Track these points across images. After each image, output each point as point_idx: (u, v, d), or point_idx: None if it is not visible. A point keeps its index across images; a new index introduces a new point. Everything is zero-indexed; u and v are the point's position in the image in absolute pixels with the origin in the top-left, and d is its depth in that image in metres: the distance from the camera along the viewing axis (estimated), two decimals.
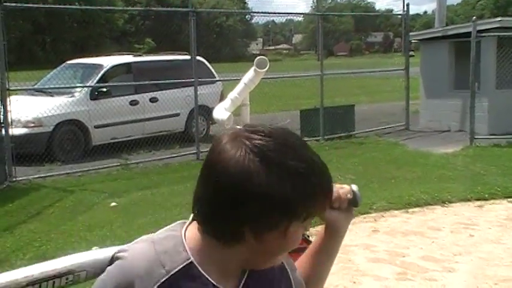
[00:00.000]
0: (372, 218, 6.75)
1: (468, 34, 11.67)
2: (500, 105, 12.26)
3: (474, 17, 12.39)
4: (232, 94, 5.16)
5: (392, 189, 7.88)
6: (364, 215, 6.80)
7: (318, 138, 11.99)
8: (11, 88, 8.83)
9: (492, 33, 12.14)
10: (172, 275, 1.20)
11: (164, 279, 1.19)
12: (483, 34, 11.87)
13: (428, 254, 5.62)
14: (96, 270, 1.31)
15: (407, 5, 13.87)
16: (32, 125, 10.36)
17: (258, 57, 5.03)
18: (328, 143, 11.85)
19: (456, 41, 13.20)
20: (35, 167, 9.52)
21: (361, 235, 6.20)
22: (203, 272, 1.22)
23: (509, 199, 7.50)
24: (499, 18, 13.39)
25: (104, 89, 11.23)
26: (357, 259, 5.50)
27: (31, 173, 9.08)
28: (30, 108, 10.44)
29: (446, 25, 15.87)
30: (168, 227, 1.32)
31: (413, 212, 7.01)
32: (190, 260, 1.21)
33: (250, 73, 5.08)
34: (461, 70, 12.66)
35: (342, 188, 1.44)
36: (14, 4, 9.36)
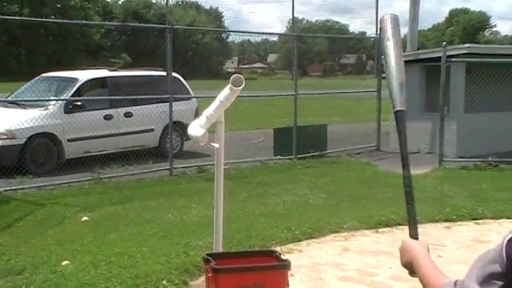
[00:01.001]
0: (343, 237, 6.77)
1: (438, 59, 11.88)
2: (468, 128, 12.47)
3: (444, 43, 12.64)
4: (208, 111, 5.13)
5: (363, 209, 7.93)
6: (335, 234, 6.84)
7: (291, 156, 12.03)
8: None
9: (461, 59, 12.39)
10: None
11: None
12: (453, 59, 12.10)
13: (397, 274, 5.64)
14: None
15: (380, 28, 14.08)
16: (4, 137, 10.25)
17: (234, 76, 5.01)
18: (301, 162, 11.90)
19: (427, 65, 13.42)
20: (6, 179, 9.38)
21: (331, 253, 6.22)
22: None
23: (475, 221, 7.59)
24: (467, 45, 13.69)
25: (79, 103, 11.15)
26: (327, 277, 5.51)
27: (1, 186, 8.97)
28: (3, 120, 10.34)
29: (418, 49, 16.12)
30: None
31: (383, 231, 7.06)
32: None
33: (225, 91, 5.05)
34: (432, 93, 12.86)
35: None
36: None
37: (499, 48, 19.81)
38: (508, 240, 1.70)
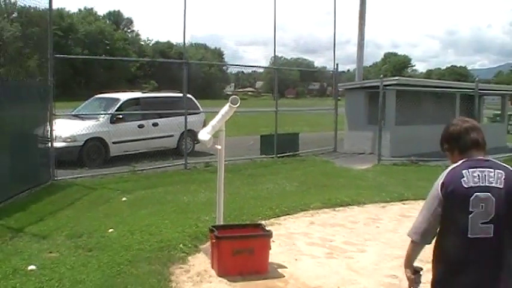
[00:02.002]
0: (310, 214, 6.77)
1: (377, 87, 11.93)
2: (398, 136, 12.55)
3: (381, 76, 12.72)
4: (213, 122, 5.12)
5: (324, 194, 7.92)
6: (304, 212, 6.84)
7: (273, 156, 12.00)
8: (56, 114, 8.73)
9: (392, 87, 12.46)
10: None
11: None
12: (387, 87, 12.17)
13: (348, 240, 5.67)
14: None
15: (337, 64, 14.07)
16: (69, 140, 10.20)
17: (232, 96, 5.01)
18: (280, 159, 11.88)
19: (369, 91, 13.47)
20: (70, 170, 9.30)
21: (301, 226, 6.21)
22: None
23: (402, 202, 7.62)
24: (397, 78, 13.84)
25: (120, 116, 11.10)
26: (298, 243, 5.51)
27: (67, 174, 8.91)
28: (68, 128, 10.26)
29: (363, 79, 16.19)
30: None
31: (339, 210, 7.06)
32: None
33: (225, 107, 5.06)
34: (373, 111, 12.92)
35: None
36: (60, 55, 9.34)
37: (418, 80, 20.02)
38: (446, 175, 2.22)
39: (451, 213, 2.17)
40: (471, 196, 2.13)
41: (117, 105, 11.25)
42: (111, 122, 10.94)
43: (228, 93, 64.95)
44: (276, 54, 12.87)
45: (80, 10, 62.39)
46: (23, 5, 8.68)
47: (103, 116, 11.04)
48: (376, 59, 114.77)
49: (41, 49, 8.46)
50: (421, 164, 11.39)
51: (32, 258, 4.63)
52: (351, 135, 13.92)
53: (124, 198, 7.41)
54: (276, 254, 4.85)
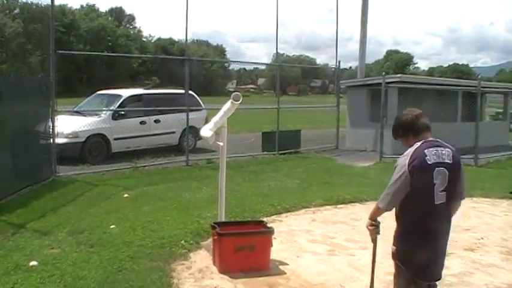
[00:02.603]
0: (311, 211, 6.76)
1: (379, 84, 11.91)
2: None
3: (384, 73, 12.68)
4: (215, 119, 5.10)
5: (326, 191, 7.91)
6: (306, 209, 6.82)
7: (274, 152, 12.00)
8: (57, 110, 8.72)
9: (395, 85, 12.43)
10: None
11: None
12: (389, 85, 12.14)
13: (350, 237, 5.65)
14: None
15: (339, 61, 14.04)
16: (71, 136, 10.19)
17: (234, 93, 4.99)
18: (282, 156, 11.87)
19: (371, 88, 13.44)
20: (72, 166, 9.30)
21: (303, 223, 6.20)
22: None
23: None
24: (399, 75, 13.79)
25: (122, 112, 11.08)
26: (300, 240, 5.50)
27: (69, 171, 8.91)
28: (70, 124, 10.26)
29: (365, 77, 16.15)
30: None
31: (341, 207, 7.04)
32: None
33: (228, 104, 5.04)
34: (375, 109, 12.89)
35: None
36: (62, 52, 9.38)
37: (420, 78, 20.00)
38: (411, 155, 2.76)
39: (420, 185, 2.69)
40: (433, 170, 2.70)
41: (119, 102, 11.23)
42: (113, 119, 10.92)
43: (230, 90, 64.96)
44: (278, 51, 12.84)
45: (82, 6, 62.46)
46: (25, 1, 8.68)
47: (105, 112, 11.01)
48: (378, 56, 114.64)
49: (42, 45, 8.46)
50: None
51: (33, 254, 4.63)
52: (353, 133, 13.89)
53: (126, 195, 7.40)
54: (277, 250, 4.84)
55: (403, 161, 2.78)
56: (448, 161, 2.73)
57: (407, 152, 2.80)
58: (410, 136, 2.88)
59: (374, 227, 3.03)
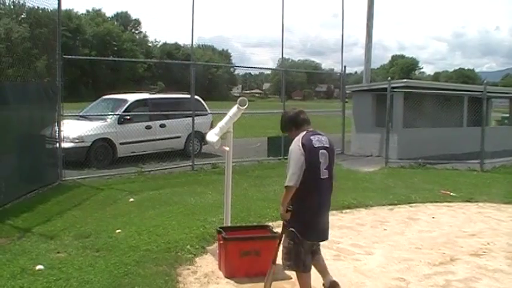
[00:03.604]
0: None
1: (385, 89, 11.90)
2: (406, 139, 12.49)
3: (389, 78, 12.66)
4: (221, 123, 5.12)
5: (331, 196, 7.88)
6: None
7: (280, 157, 11.98)
8: (63, 114, 8.77)
9: (400, 90, 12.41)
10: None
11: None
12: (395, 90, 12.12)
13: (355, 242, 5.64)
14: None
15: (345, 66, 14.05)
16: (77, 140, 10.24)
17: (240, 98, 5.00)
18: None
19: (377, 93, 13.43)
20: (78, 170, 9.35)
21: None
22: None
23: (410, 204, 7.58)
24: (404, 80, 13.75)
25: (128, 117, 11.13)
26: None
27: (74, 175, 8.95)
28: (76, 129, 10.31)
29: (371, 82, 16.15)
30: None
31: (346, 212, 7.04)
32: None
33: (233, 109, 5.05)
34: (380, 113, 12.87)
35: None
36: (69, 56, 9.48)
37: (425, 83, 19.95)
38: (302, 140, 3.52)
39: (311, 164, 3.47)
40: (319, 152, 3.53)
41: (125, 106, 11.28)
42: (118, 123, 10.96)
43: (235, 94, 65.06)
44: (284, 56, 12.84)
45: (87, 11, 62.85)
46: (31, 5, 8.74)
47: (111, 116, 11.07)
48: (383, 61, 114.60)
49: (49, 50, 8.51)
50: (428, 167, 11.33)
51: (39, 258, 4.66)
52: (358, 138, 13.87)
53: (131, 199, 7.43)
54: None
55: (296, 145, 3.51)
56: (327, 145, 3.60)
57: (296, 139, 3.56)
58: (293, 129, 3.68)
59: (287, 213, 3.59)
